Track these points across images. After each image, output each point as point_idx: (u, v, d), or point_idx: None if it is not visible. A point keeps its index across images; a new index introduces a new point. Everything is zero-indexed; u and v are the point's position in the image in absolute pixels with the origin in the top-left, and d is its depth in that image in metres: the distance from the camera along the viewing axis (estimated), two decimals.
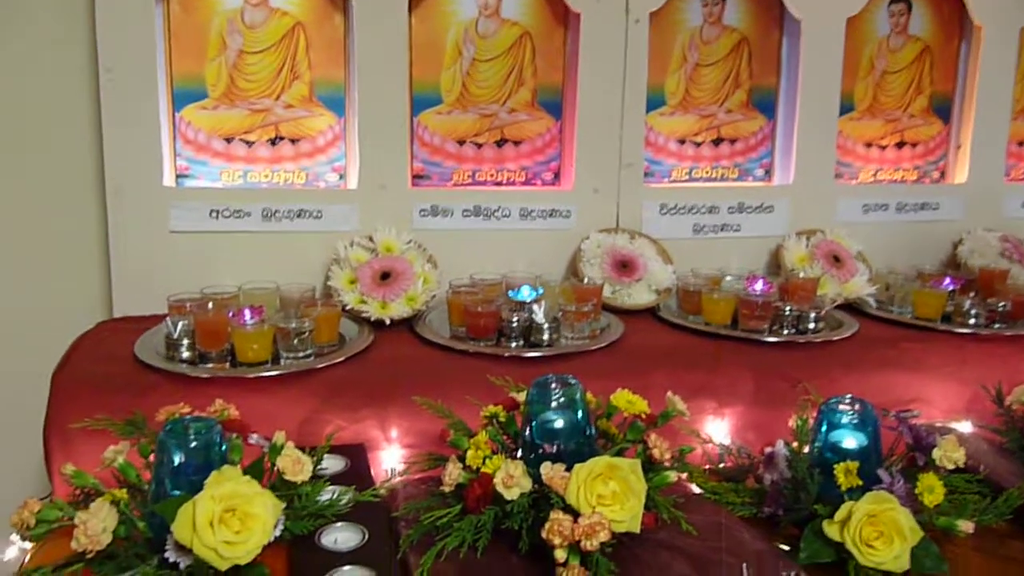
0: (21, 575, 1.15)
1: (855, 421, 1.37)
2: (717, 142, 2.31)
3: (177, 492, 1.13)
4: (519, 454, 1.30)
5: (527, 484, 1.19)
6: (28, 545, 1.54)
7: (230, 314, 1.58)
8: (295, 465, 1.18)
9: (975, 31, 2.37)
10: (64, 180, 1.98)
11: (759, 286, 1.95)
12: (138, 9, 1.84)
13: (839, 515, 1.26)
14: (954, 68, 2.43)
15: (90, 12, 1.87)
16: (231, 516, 1.05)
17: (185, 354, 1.61)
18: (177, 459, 1.14)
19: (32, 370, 1.94)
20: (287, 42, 1.97)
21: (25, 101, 1.94)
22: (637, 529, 1.16)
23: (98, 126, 1.92)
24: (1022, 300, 2.02)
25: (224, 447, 1.19)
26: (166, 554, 1.07)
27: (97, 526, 1.07)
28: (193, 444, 1.15)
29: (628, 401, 1.32)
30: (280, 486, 1.20)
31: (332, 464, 1.43)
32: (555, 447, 1.28)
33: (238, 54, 1.95)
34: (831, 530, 1.26)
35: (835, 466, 1.31)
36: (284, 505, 1.13)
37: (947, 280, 2.09)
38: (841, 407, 1.40)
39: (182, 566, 1.06)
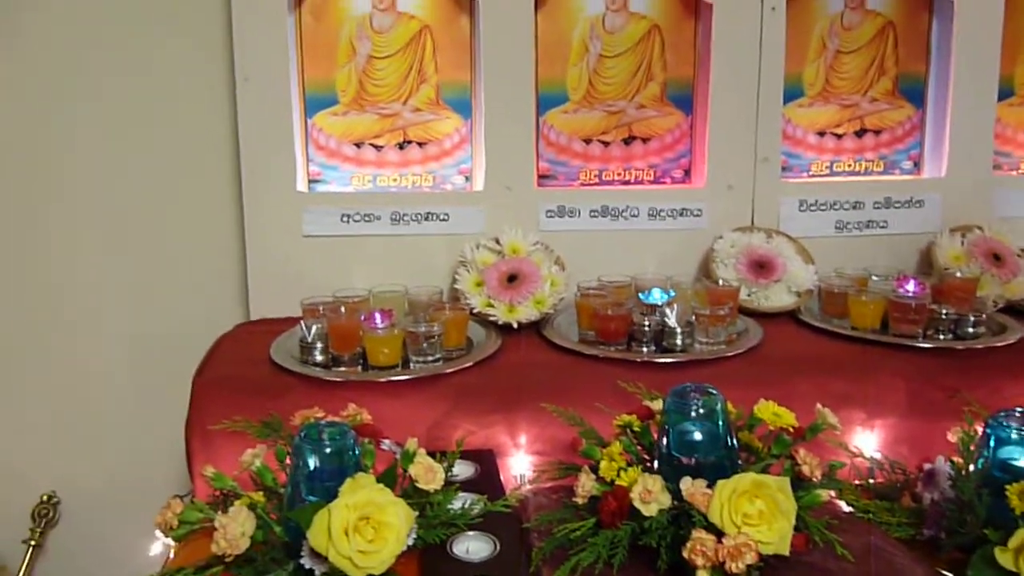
0: (164, 575, 1.18)
1: None
2: (860, 133, 2.17)
3: (312, 497, 1.13)
4: (655, 466, 1.24)
5: (666, 500, 1.13)
6: (172, 541, 1.61)
7: (362, 318, 1.59)
8: (427, 473, 1.16)
9: None
10: (202, 186, 2.08)
11: (911, 287, 1.81)
12: (272, 19, 1.89)
13: (1014, 542, 1.14)
14: None
15: (226, 24, 1.95)
16: (365, 524, 1.04)
17: (319, 357, 1.63)
18: (312, 464, 1.14)
19: (175, 370, 2.04)
20: (414, 46, 1.98)
21: (165, 110, 2.04)
22: (786, 552, 1.08)
23: (234, 133, 1.99)
24: None
25: (357, 452, 1.18)
26: (302, 560, 1.08)
27: (236, 530, 1.08)
28: (328, 450, 1.15)
29: (774, 413, 1.24)
30: (412, 493, 1.18)
31: (462, 470, 1.41)
32: (694, 460, 1.21)
33: (367, 59, 1.97)
34: (1004, 558, 1.14)
35: (1007, 487, 1.19)
36: (416, 514, 1.12)
37: None
38: (1011, 421, 1.27)
39: (318, 573, 1.06)
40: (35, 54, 1.99)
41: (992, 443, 1.28)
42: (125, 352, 2.14)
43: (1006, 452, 1.27)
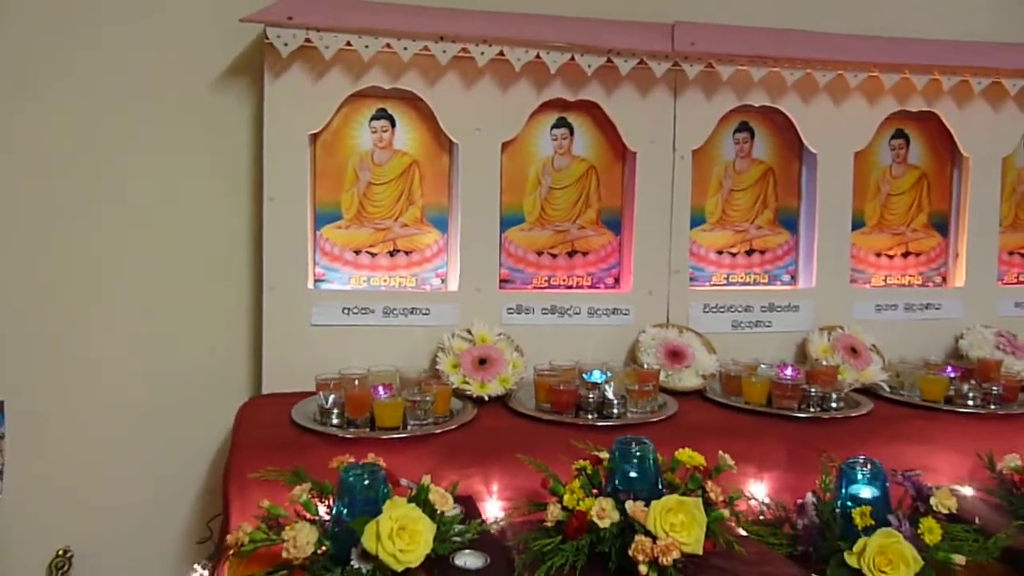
0: None
1: (868, 476, 1.67)
2: (750, 253, 2.65)
3: (351, 519, 1.47)
4: None
5: (616, 516, 1.51)
6: (206, 573, 1.88)
7: (373, 388, 1.94)
8: (441, 499, 1.51)
9: (964, 160, 2.72)
10: (222, 282, 2.36)
11: (789, 372, 2.23)
12: (294, 152, 2.26)
13: (856, 548, 1.55)
14: (948, 190, 2.77)
15: (250, 150, 2.32)
16: (403, 531, 1.39)
17: (335, 420, 1.95)
18: (356, 493, 1.48)
19: (188, 435, 2.31)
20: (405, 176, 2.39)
21: (195, 218, 2.34)
22: (700, 551, 1.47)
23: (252, 240, 2.33)
24: (1013, 386, 2.29)
25: (386, 485, 1.53)
26: (352, 562, 1.40)
27: (304, 539, 1.40)
28: (366, 482, 1.49)
29: (689, 455, 1.64)
30: (429, 515, 1.52)
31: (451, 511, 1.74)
32: (632, 495, 1.60)
33: (367, 185, 2.37)
34: (850, 559, 1.55)
35: (853, 511, 1.62)
36: (435, 527, 1.46)
37: (949, 369, 2.35)
38: (857, 466, 1.70)
39: (364, 571, 1.39)
40: (69, 151, 2.25)
41: (844, 482, 1.70)
42: (142, 417, 2.33)
43: (854, 488, 1.68)
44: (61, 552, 2.31)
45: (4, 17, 2.20)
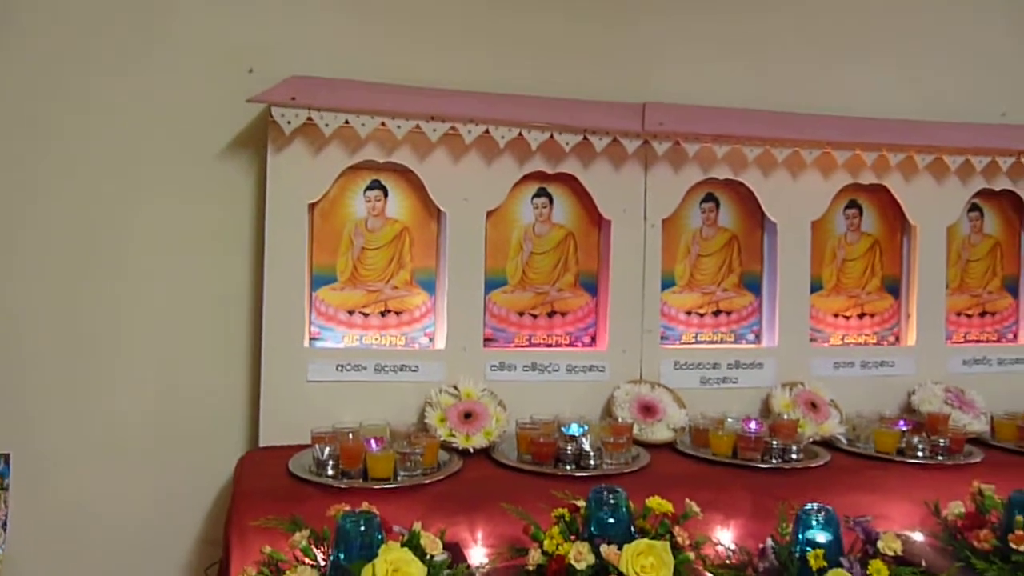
0: None
1: (822, 522, 1.80)
2: (716, 314, 2.82)
3: (348, 563, 1.58)
4: None
5: (592, 559, 1.63)
6: None
7: (366, 441, 2.06)
8: (432, 543, 1.63)
9: (912, 228, 2.92)
10: (223, 340, 2.47)
11: (753, 425, 2.36)
12: (294, 220, 2.41)
13: None
14: (899, 256, 2.95)
15: (252, 216, 2.45)
16: (397, 573, 1.50)
17: (330, 471, 2.06)
18: (353, 538, 1.60)
19: (190, 486, 2.38)
20: (396, 242, 2.54)
21: (196, 279, 2.45)
22: None
23: (250, 299, 2.45)
24: (959, 438, 2.44)
25: (380, 532, 1.64)
26: None
27: None
28: (363, 528, 1.61)
29: (658, 503, 1.78)
30: (420, 558, 1.64)
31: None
32: (606, 539, 1.72)
33: (360, 250, 2.52)
34: None
35: (808, 554, 1.75)
36: (426, 570, 1.58)
37: (901, 422, 2.50)
38: (812, 512, 1.83)
39: None
40: (84, 209, 2.37)
41: (801, 527, 1.83)
42: (142, 467, 2.40)
43: (810, 533, 1.81)
44: None
45: (12, 87, 2.33)
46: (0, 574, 2.06)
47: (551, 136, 2.48)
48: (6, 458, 2.12)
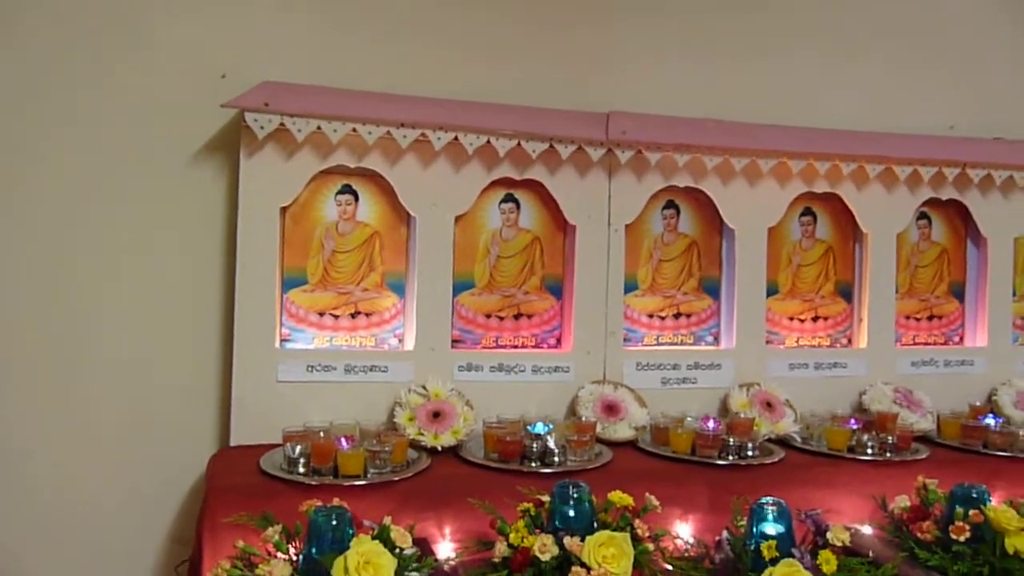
0: None
1: (775, 515, 1.88)
2: (677, 316, 2.89)
3: (320, 556, 1.62)
4: None
5: (556, 550, 1.69)
6: None
7: (336, 440, 2.09)
8: (401, 537, 1.67)
9: (864, 235, 3.02)
10: (195, 340, 2.49)
11: (711, 424, 2.43)
12: (266, 223, 2.42)
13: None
14: (852, 262, 3.05)
15: (224, 219, 2.48)
16: (368, 565, 1.54)
17: (301, 469, 2.09)
18: (324, 532, 1.64)
19: (161, 484, 2.40)
20: (367, 245, 2.58)
21: (168, 281, 2.47)
22: None
23: (222, 301, 2.48)
24: (906, 436, 2.54)
25: (351, 526, 1.68)
26: None
27: (279, 574, 1.55)
28: (335, 522, 1.65)
29: (619, 497, 1.83)
30: (390, 551, 1.68)
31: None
32: (569, 532, 1.78)
33: (331, 253, 2.55)
34: None
35: (762, 545, 1.82)
36: (396, 562, 1.62)
37: (852, 421, 2.57)
38: (766, 506, 1.90)
39: None
40: (57, 210, 2.38)
41: (755, 520, 1.90)
42: (115, 465, 2.42)
43: (763, 526, 1.88)
44: None
45: None
46: None
47: (518, 144, 2.54)
48: None
